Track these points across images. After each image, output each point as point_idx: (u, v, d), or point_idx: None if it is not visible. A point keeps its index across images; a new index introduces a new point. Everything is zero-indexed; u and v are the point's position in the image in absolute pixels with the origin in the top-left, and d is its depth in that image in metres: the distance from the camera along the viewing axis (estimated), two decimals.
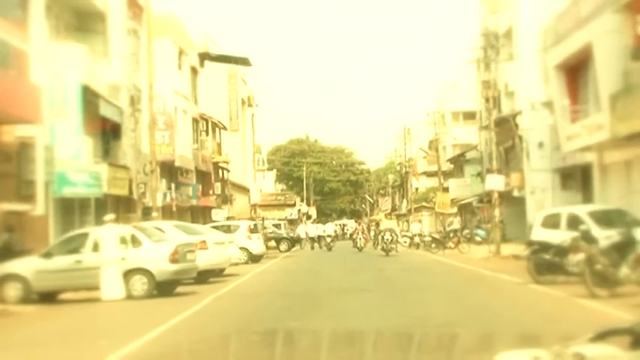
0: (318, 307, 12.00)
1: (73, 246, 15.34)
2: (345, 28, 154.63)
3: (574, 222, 16.14)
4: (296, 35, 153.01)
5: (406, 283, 16.74)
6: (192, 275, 16.14)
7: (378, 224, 45.28)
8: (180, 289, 15.97)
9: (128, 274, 14.66)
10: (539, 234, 17.05)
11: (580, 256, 12.83)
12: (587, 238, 14.09)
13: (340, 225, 52.01)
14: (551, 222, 17.21)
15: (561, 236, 15.58)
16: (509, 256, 25.15)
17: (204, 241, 18.17)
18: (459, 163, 52.73)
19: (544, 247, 14.99)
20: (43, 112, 22.94)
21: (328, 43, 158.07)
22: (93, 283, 14.38)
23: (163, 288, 15.20)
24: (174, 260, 14.97)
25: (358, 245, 35.24)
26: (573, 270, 13.98)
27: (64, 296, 15.60)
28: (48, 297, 15.37)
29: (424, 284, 16.27)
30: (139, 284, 14.72)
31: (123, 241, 14.87)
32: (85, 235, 15.37)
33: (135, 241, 15.05)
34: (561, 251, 14.46)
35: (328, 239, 41.11)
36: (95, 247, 14.74)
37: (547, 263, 14.67)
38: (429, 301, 12.68)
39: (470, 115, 56.22)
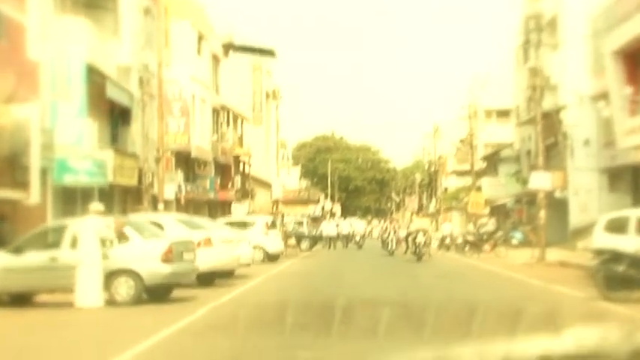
0: (340, 328, 9.36)
1: (48, 240, 12.97)
2: (374, 23, 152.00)
3: None
4: (321, 30, 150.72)
5: (447, 296, 13.99)
6: (190, 278, 13.63)
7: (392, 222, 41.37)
8: (178, 292, 13.50)
9: (112, 276, 12.20)
10: (603, 240, 14.47)
11: None
12: None
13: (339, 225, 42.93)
14: (617, 226, 14.61)
15: (632, 243, 13.03)
16: (555, 263, 22.61)
17: (208, 239, 15.69)
18: (492, 161, 50.12)
19: (615, 256, 12.41)
20: (40, 91, 20.91)
21: (356, 38, 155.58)
22: (70, 284, 11.97)
23: (155, 292, 12.79)
24: (167, 260, 12.49)
25: (389, 248, 31.22)
26: None
27: (40, 298, 13.25)
28: (20, 299, 13.04)
29: (470, 298, 13.53)
30: (125, 288, 12.26)
31: (107, 235, 12.44)
32: (62, 228, 12.96)
33: (121, 236, 12.65)
34: (637, 262, 11.90)
35: (357, 237, 40.34)
36: (74, 243, 12.34)
37: (620, 276, 12.09)
38: (482, 323, 10.00)
39: (503, 113, 53.83)
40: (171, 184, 28.99)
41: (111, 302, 12.24)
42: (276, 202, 54.05)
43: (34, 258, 12.55)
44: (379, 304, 12.28)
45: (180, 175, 32.77)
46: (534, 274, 18.51)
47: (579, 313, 11.19)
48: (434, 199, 72.21)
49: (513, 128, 46.45)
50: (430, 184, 77.74)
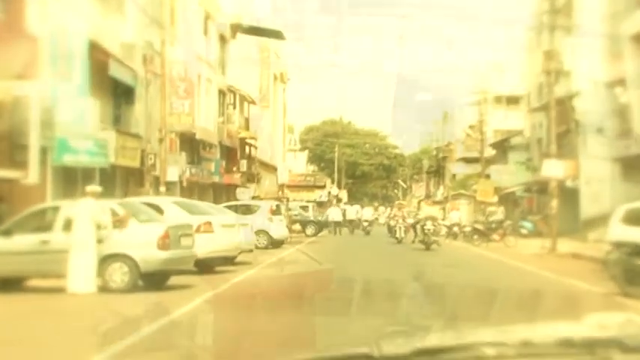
0: (343, 326, 8.73)
1: (40, 222, 12.42)
2: (383, 6, 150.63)
3: None
4: (330, 13, 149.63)
5: (466, 292, 13.23)
6: (187, 265, 13.02)
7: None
8: (175, 280, 12.93)
9: (106, 261, 11.65)
10: (621, 232, 13.80)
11: None
12: None
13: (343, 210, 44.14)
14: (637, 217, 13.91)
15: None
16: (567, 254, 21.98)
17: (208, 223, 15.10)
18: (502, 149, 49.39)
19: (635, 249, 11.79)
20: (40, 68, 20.33)
21: (364, 24, 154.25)
22: (62, 269, 11.42)
23: (152, 279, 12.21)
24: (163, 246, 11.91)
25: (397, 235, 30.44)
26: None
27: (31, 283, 12.70)
28: (10, 284, 12.49)
29: (490, 297, 12.80)
30: (119, 274, 11.69)
31: (101, 219, 11.85)
32: (55, 210, 12.41)
33: (117, 220, 12.05)
34: None
35: (365, 224, 40.25)
36: (67, 226, 11.78)
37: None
38: (499, 310, 9.36)
39: (513, 100, 53.10)
40: (175, 167, 28.40)
41: (105, 288, 11.70)
42: (282, 187, 53.48)
43: (24, 241, 12.00)
44: (391, 290, 11.67)
45: (184, 158, 32.19)
46: (546, 266, 17.87)
47: (598, 309, 10.57)
48: (441, 187, 71.54)
49: (524, 115, 45.71)
50: (438, 171, 77.01)
